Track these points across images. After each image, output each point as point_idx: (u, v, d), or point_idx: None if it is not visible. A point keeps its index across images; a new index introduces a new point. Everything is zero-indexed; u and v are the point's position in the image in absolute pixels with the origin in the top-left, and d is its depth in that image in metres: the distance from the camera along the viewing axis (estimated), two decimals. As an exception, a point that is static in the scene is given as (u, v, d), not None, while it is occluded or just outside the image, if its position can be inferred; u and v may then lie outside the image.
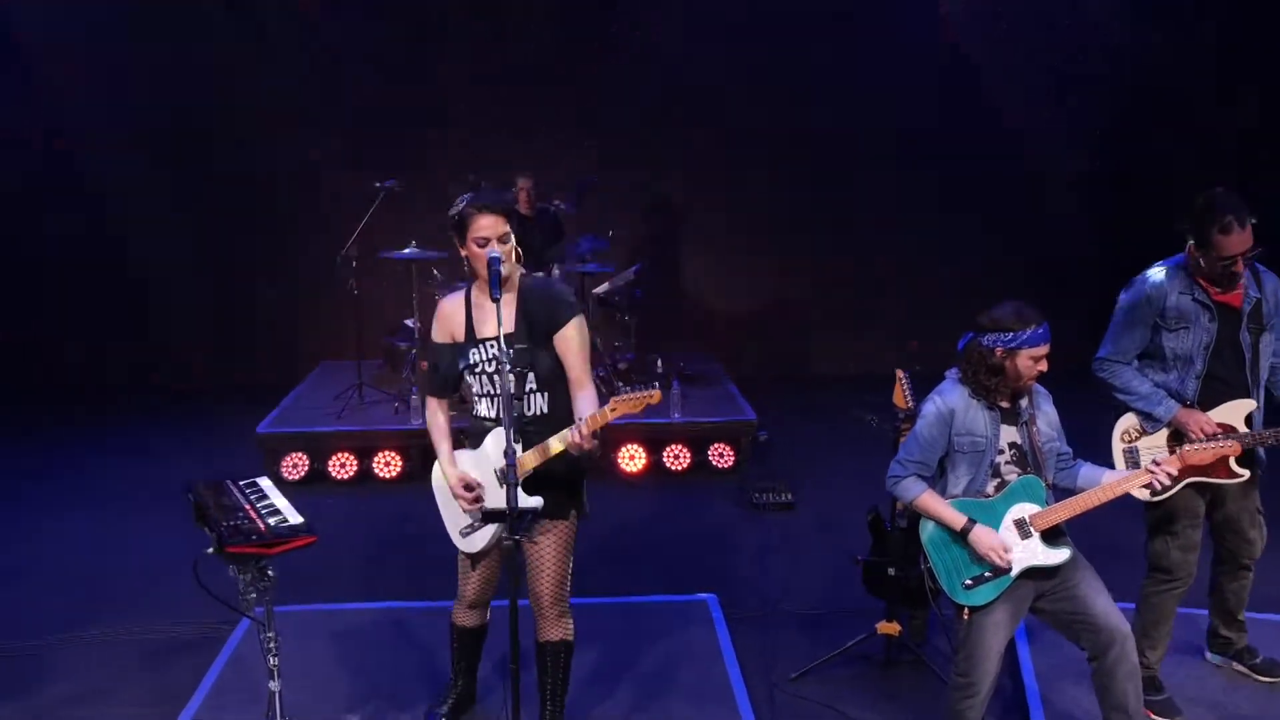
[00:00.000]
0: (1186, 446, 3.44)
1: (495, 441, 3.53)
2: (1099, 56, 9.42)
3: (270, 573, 3.19)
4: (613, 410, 3.44)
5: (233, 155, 9.23)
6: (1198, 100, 9.23)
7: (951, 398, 3.64)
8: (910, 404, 4.50)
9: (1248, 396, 3.96)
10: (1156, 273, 3.99)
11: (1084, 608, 3.52)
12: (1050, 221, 9.72)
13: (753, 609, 5.19)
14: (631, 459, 7.08)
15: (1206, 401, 3.94)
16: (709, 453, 7.16)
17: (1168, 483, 3.43)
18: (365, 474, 7.03)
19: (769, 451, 7.46)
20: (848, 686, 4.48)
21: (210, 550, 3.09)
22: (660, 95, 9.35)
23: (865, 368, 9.78)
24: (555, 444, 3.46)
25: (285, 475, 6.98)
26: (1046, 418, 3.67)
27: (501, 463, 3.47)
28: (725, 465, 7.18)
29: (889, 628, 4.59)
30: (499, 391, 3.50)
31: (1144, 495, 3.84)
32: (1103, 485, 3.53)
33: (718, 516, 6.49)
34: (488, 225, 3.42)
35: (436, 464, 3.71)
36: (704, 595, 5.24)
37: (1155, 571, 4.20)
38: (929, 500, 3.62)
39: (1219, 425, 3.90)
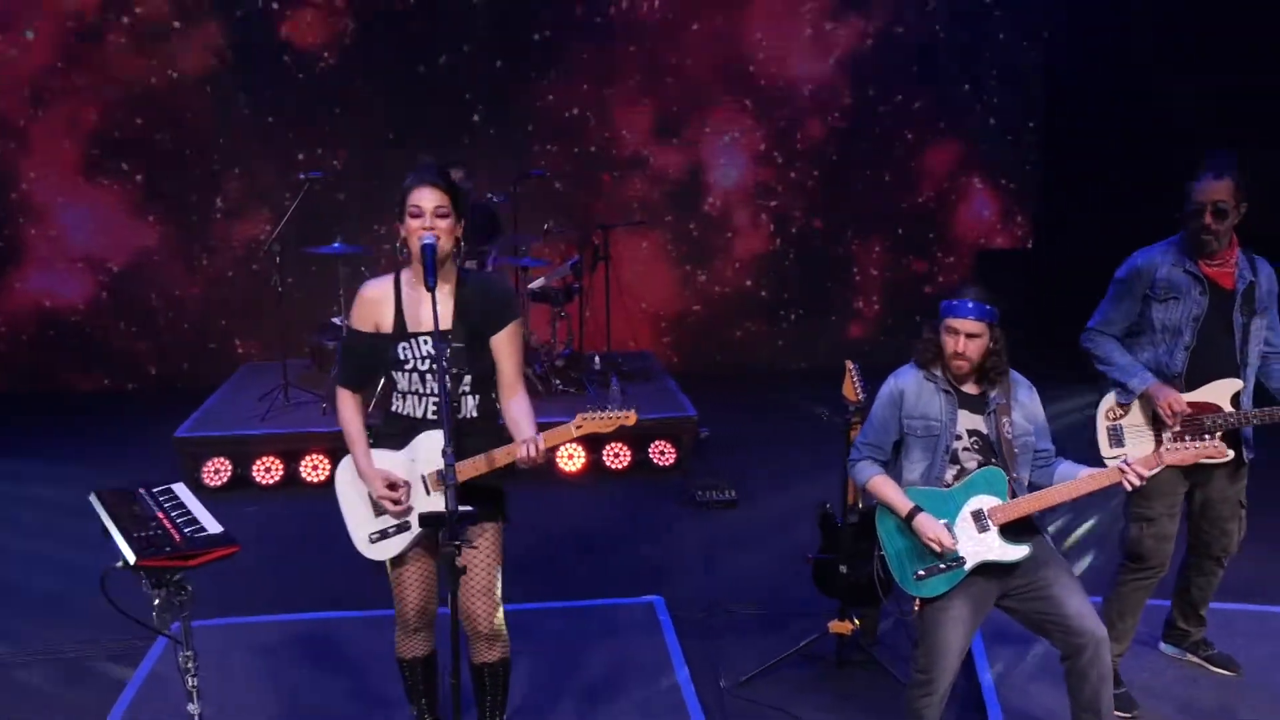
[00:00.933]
0: (1165, 447, 3.28)
1: (428, 443, 3.30)
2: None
3: (188, 587, 2.92)
4: (578, 428, 3.27)
5: (142, 141, 8.82)
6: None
7: (904, 379, 3.57)
8: (860, 396, 4.37)
9: (1236, 376, 3.90)
10: (1151, 247, 4.01)
11: (1056, 608, 3.39)
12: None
13: (700, 610, 5.02)
14: (570, 458, 6.88)
15: (1194, 378, 3.90)
16: (649, 451, 6.99)
17: (1138, 483, 3.29)
18: (292, 478, 6.73)
19: (710, 448, 7.32)
20: (800, 688, 4.34)
21: (120, 564, 2.82)
22: (595, 83, 9.18)
23: (805, 362, 9.78)
24: (502, 456, 3.26)
25: (206, 482, 6.65)
26: (1024, 410, 3.54)
27: (432, 466, 3.28)
28: (666, 463, 7.02)
29: (841, 627, 4.46)
30: (429, 391, 3.30)
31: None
32: (1069, 481, 3.40)
33: (660, 516, 6.32)
34: (423, 197, 3.20)
35: (344, 462, 3.44)
36: (649, 597, 5.06)
37: (1128, 560, 4.12)
38: (880, 484, 3.54)
39: (1206, 404, 3.87)
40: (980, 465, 3.48)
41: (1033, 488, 3.49)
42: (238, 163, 8.92)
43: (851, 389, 4.42)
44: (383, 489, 3.29)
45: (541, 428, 3.32)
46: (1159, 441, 3.91)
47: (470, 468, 3.25)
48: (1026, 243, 9.92)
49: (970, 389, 3.52)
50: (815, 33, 9.34)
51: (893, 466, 3.59)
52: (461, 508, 2.88)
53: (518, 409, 3.41)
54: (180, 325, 9.13)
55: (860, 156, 9.58)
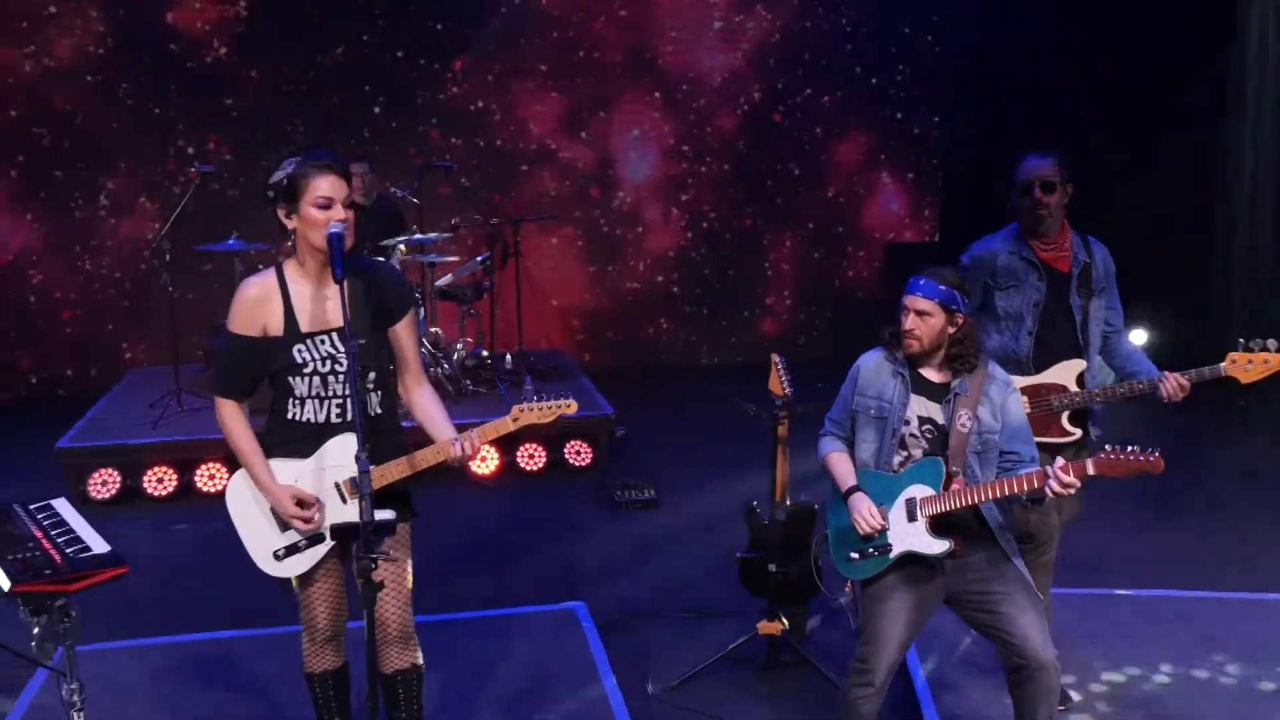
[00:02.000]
0: (1101, 455, 3.10)
1: (339, 448, 3.07)
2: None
3: (72, 613, 2.65)
4: (515, 420, 3.08)
5: (16, 135, 8.29)
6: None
7: (867, 355, 3.50)
8: (787, 391, 4.27)
9: (1079, 358, 3.98)
10: (990, 237, 4.10)
11: (1005, 625, 3.25)
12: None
13: (624, 615, 4.86)
14: (483, 460, 6.65)
15: (1040, 361, 3.97)
16: (565, 451, 6.80)
17: (1057, 488, 3.07)
18: (187, 489, 6.36)
19: (627, 447, 7.16)
20: (731, 692, 4.21)
21: (-7, 590, 2.53)
22: (500, 75, 8.94)
23: (718, 358, 9.70)
24: (429, 457, 3.04)
25: (93, 495, 6.24)
26: (993, 407, 3.39)
27: (346, 472, 3.05)
28: (583, 464, 6.83)
29: (771, 627, 4.33)
30: (332, 394, 3.06)
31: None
32: (999, 480, 3.26)
33: (578, 518, 6.14)
34: (329, 186, 2.95)
35: (236, 478, 3.16)
36: (571, 603, 4.88)
37: (1018, 540, 4.06)
38: (835, 460, 3.51)
39: (1053, 385, 3.93)
40: (926, 454, 3.40)
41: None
42: (122, 156, 8.44)
43: (778, 383, 4.31)
44: (292, 507, 3.03)
45: (458, 429, 3.12)
46: None
47: (393, 471, 3.03)
48: (934, 236, 10.01)
49: (934, 375, 3.42)
50: (725, 25, 9.27)
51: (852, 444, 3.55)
52: (379, 514, 2.66)
53: (429, 402, 3.22)
54: (62, 330, 8.61)
55: (770, 151, 9.54)
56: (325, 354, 3.06)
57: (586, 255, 9.39)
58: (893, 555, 3.33)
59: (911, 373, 3.42)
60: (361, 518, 2.60)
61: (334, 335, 3.07)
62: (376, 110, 8.71)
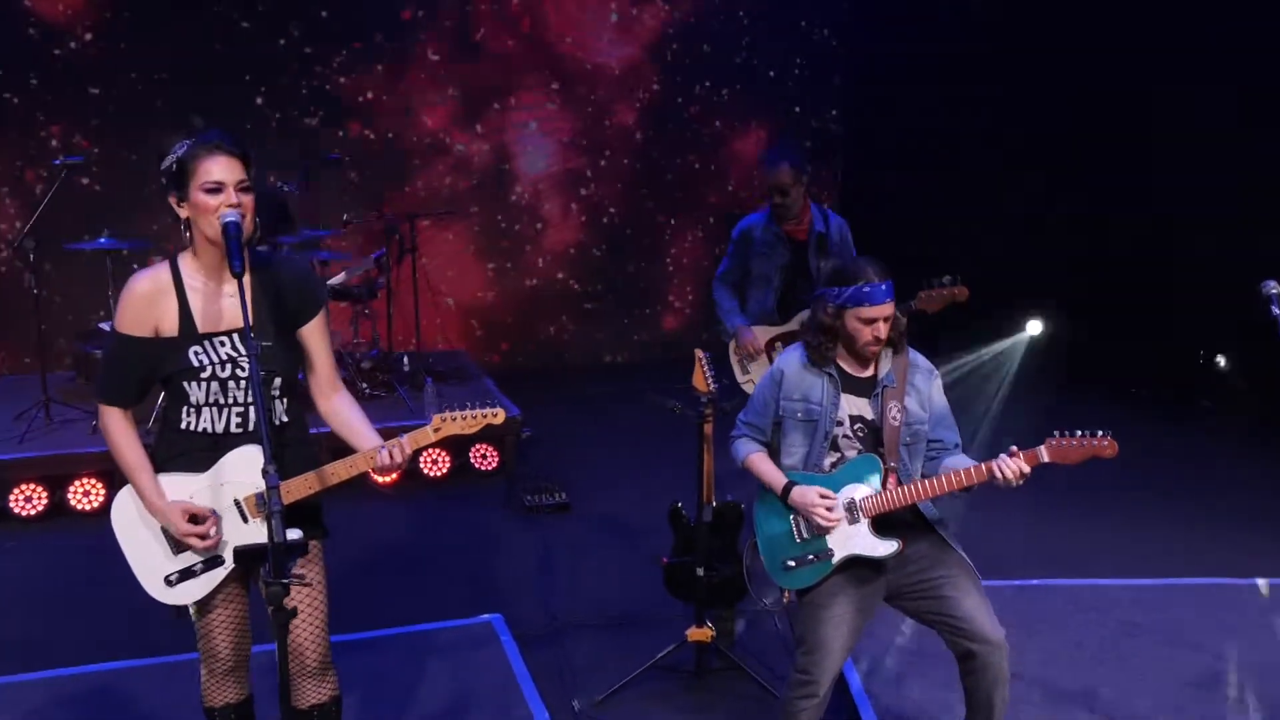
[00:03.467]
0: (1051, 441, 3.04)
1: (239, 461, 2.78)
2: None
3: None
4: (436, 430, 2.84)
5: None
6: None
7: (787, 358, 3.34)
8: (712, 387, 4.10)
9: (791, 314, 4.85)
10: (753, 214, 5.06)
11: (949, 609, 3.15)
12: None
13: (542, 625, 4.63)
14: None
15: (785, 313, 4.92)
16: (470, 455, 6.51)
17: (1010, 477, 3.01)
18: (59, 507, 5.86)
19: (534, 449, 6.91)
20: (660, 702, 4.04)
21: None
22: (390, 64, 8.58)
23: (621, 356, 9.52)
24: (341, 470, 2.78)
25: (-48, 517, 5.71)
26: (919, 397, 3.29)
27: (247, 488, 2.76)
28: (489, 467, 6.56)
29: (700, 634, 4.16)
30: (231, 401, 2.77)
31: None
32: (941, 475, 3.15)
33: (487, 525, 5.87)
34: (220, 168, 2.66)
35: (123, 494, 2.84)
36: (487, 616, 4.63)
37: None
38: (756, 460, 3.36)
39: (795, 334, 4.64)
40: (860, 453, 3.26)
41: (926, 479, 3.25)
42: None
43: (703, 380, 4.13)
44: (185, 525, 2.72)
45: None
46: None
47: (301, 487, 2.75)
48: (833, 229, 10.00)
49: (857, 370, 3.29)
50: (622, 17, 9.08)
51: (774, 449, 3.39)
52: (289, 534, 2.39)
53: (348, 409, 2.99)
54: (-89, 337, 7.90)
55: (670, 144, 9.40)
56: (224, 357, 2.77)
57: (484, 252, 9.08)
58: (835, 560, 3.20)
59: (839, 371, 3.29)
60: (270, 538, 2.32)
61: (234, 336, 2.78)
62: (259, 101, 8.24)
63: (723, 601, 4.31)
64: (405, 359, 7.44)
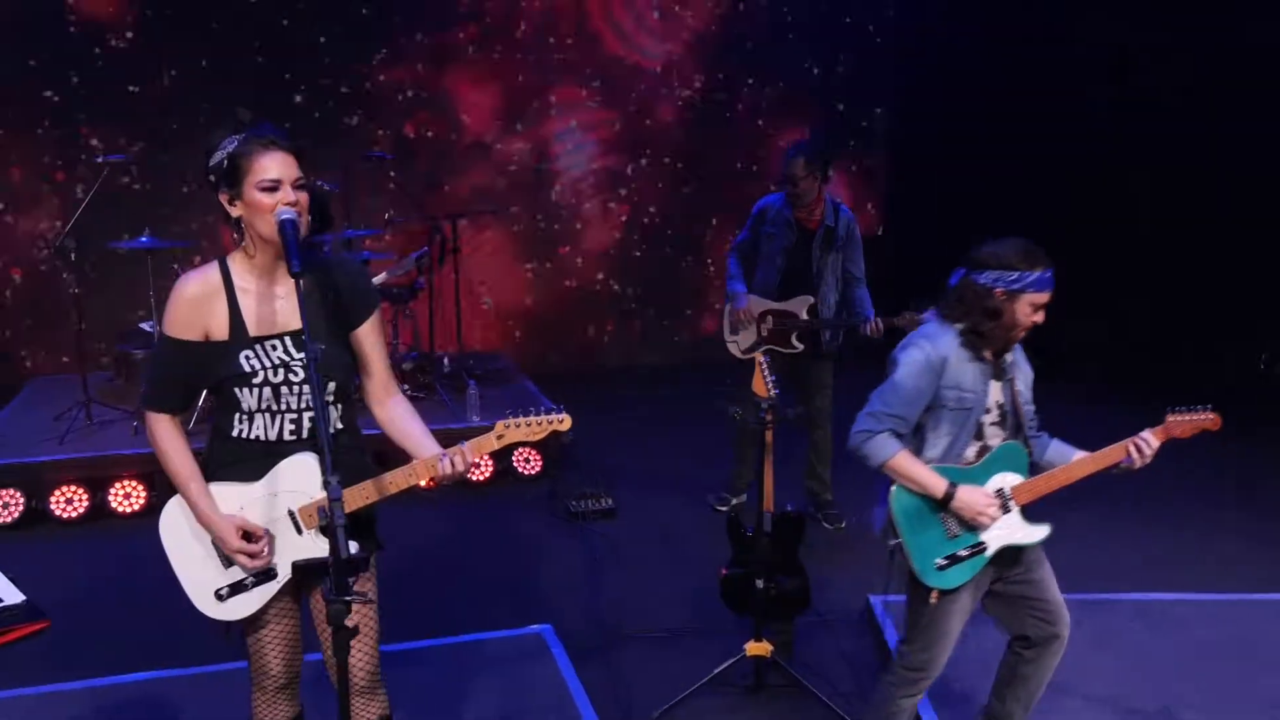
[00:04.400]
0: (1171, 416, 3.20)
1: (295, 470, 2.66)
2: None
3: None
4: (499, 438, 2.73)
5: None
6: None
7: (943, 343, 3.11)
8: (772, 392, 3.95)
9: (810, 295, 5.38)
10: (770, 196, 5.58)
11: (1041, 593, 3.22)
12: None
13: (594, 638, 4.50)
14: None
15: (785, 291, 5.42)
16: (513, 459, 6.40)
17: (1149, 453, 3.11)
18: (99, 510, 5.79)
19: (577, 454, 6.77)
20: (719, 719, 3.89)
21: (-124, 656, 2.07)
22: (431, 62, 8.48)
23: (660, 358, 9.37)
24: (399, 479, 2.66)
25: (-8, 519, 5.65)
26: (1025, 377, 3.25)
27: (302, 498, 2.65)
28: (532, 472, 6.44)
29: (759, 648, 4.02)
30: (285, 407, 2.65)
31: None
32: (1084, 457, 3.14)
33: (531, 531, 5.74)
34: (276, 165, 2.54)
35: (172, 505, 2.73)
36: (536, 627, 4.50)
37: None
38: (905, 462, 3.08)
39: (787, 312, 5.38)
40: (1003, 440, 3.17)
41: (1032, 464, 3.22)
42: (17, 147, 7.75)
43: (763, 385, 3.99)
44: (236, 541, 2.61)
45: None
46: (759, 335, 5.43)
47: (358, 496, 2.63)
48: (878, 230, 9.82)
49: (992, 354, 3.16)
50: (664, 13, 8.93)
51: (910, 442, 3.17)
52: (353, 549, 2.26)
53: (404, 415, 2.85)
54: (-48, 337, 7.88)
55: (713, 143, 9.24)
56: (277, 361, 2.65)
57: (522, 252, 8.96)
58: (989, 553, 3.13)
59: (991, 356, 3.15)
60: (334, 554, 2.19)
61: (287, 340, 2.66)
62: (297, 99, 8.16)
63: (782, 615, 4.16)
64: (445, 360, 7.33)
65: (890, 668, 3.36)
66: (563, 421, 2.78)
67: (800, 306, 5.40)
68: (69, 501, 5.75)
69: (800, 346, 5.42)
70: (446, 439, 2.82)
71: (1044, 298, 3.07)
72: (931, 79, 9.18)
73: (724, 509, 5.70)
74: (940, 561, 3.10)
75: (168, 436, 2.70)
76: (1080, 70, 8.10)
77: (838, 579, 4.89)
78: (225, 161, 2.56)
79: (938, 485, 3.05)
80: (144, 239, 6.21)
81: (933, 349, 3.11)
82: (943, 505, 3.07)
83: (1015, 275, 3.04)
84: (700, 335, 9.48)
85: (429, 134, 8.54)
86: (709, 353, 9.33)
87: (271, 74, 8.04)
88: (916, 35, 9.36)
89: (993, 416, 3.16)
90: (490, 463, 6.30)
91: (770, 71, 9.26)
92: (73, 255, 6.08)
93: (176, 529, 2.73)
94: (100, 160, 6.27)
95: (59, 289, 6.36)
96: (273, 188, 2.54)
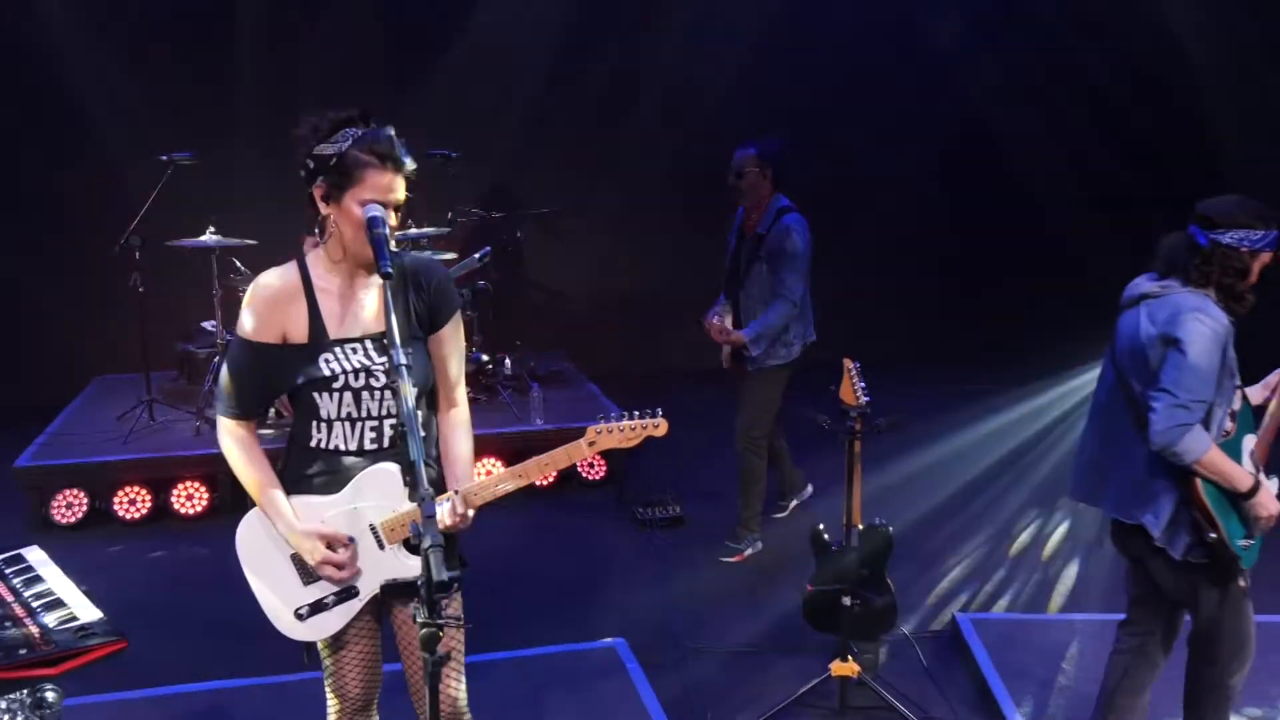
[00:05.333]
0: None
1: (378, 481, 2.52)
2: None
3: (50, 697, 2.08)
4: (591, 444, 2.57)
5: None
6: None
7: (1214, 310, 2.92)
8: (863, 400, 3.77)
9: (738, 305, 5.15)
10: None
11: None
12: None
13: (667, 652, 4.34)
14: (489, 474, 6.06)
15: (728, 294, 5.23)
16: (578, 464, 6.24)
17: None
18: (162, 511, 5.74)
19: (642, 459, 6.57)
20: (805, 742, 3.72)
21: (-51, 677, 1.96)
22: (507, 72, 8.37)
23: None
24: (509, 479, 2.52)
25: (57, 519, 5.60)
26: None
27: (385, 512, 2.51)
28: (597, 477, 6.30)
29: (846, 668, 3.83)
30: (365, 414, 2.51)
31: None
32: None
33: (598, 539, 5.60)
34: (386, 186, 2.41)
35: (249, 518, 2.60)
36: (610, 640, 4.34)
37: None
38: (1216, 456, 2.87)
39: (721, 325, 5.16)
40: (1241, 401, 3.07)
41: None
42: (82, 143, 7.74)
43: (851, 392, 3.80)
44: (322, 551, 2.48)
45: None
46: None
47: (445, 511, 2.49)
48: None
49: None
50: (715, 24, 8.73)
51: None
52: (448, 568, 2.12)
53: (457, 433, 2.69)
54: (14, 334, 7.86)
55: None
56: (357, 365, 2.51)
57: (586, 251, 8.81)
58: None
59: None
60: (428, 575, 2.05)
61: (368, 343, 2.53)
62: (363, 109, 8.05)
63: (868, 634, 3.98)
64: (507, 362, 7.21)
65: (1214, 693, 3.16)
66: (658, 426, 2.62)
67: (727, 315, 5.21)
68: (132, 502, 5.71)
69: (724, 363, 5.33)
70: (511, 442, 2.73)
71: (1270, 256, 2.98)
72: (1014, 78, 8.88)
73: (730, 559, 5.22)
74: (1243, 542, 2.97)
75: (242, 444, 2.58)
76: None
77: (914, 594, 4.70)
78: (335, 159, 2.42)
79: (1245, 479, 2.91)
80: (206, 237, 6.15)
81: (1212, 319, 2.89)
82: (1245, 498, 2.92)
83: (1260, 235, 2.94)
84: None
85: (491, 131, 8.42)
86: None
87: (333, 67, 7.97)
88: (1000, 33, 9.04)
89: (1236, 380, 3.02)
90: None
91: (855, 76, 9.01)
92: (138, 254, 6.04)
93: (255, 543, 2.60)
94: (165, 158, 6.21)
95: (122, 287, 6.31)
96: (377, 202, 2.41)
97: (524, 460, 2.60)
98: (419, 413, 2.58)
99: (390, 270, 2.30)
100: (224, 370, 2.58)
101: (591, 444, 2.58)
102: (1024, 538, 5.55)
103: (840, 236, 6.78)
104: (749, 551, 5.27)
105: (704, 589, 4.95)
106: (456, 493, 2.50)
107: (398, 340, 2.28)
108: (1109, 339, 3.18)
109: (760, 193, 5.02)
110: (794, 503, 5.76)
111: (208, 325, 6.56)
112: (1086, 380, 7.52)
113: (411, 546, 2.54)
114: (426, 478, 2.52)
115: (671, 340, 9.11)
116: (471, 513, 2.54)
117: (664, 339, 9.12)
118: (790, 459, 5.68)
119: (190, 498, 5.75)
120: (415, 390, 2.54)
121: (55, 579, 2.27)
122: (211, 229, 6.17)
